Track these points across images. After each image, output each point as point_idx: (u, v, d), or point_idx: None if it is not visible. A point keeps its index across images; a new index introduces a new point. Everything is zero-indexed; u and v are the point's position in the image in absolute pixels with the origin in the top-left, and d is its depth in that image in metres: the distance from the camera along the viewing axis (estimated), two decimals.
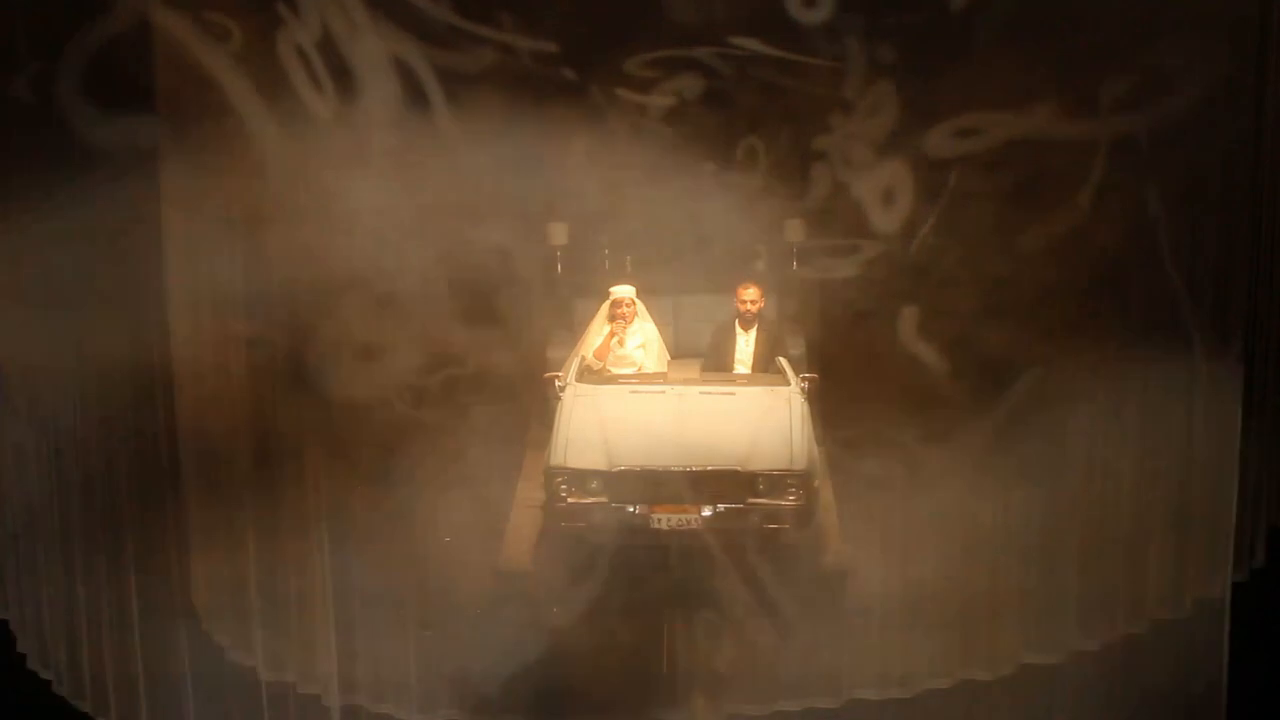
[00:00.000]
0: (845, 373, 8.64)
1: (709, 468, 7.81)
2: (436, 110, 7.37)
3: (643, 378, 8.82)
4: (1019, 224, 7.55)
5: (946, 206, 7.90)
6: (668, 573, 7.61)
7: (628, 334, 9.13)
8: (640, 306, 9.22)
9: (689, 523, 7.75)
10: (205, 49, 6.84)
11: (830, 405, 8.58)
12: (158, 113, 6.82)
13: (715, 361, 9.14)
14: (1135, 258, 7.28)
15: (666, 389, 8.48)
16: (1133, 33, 7.05)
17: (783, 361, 8.92)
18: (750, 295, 9.11)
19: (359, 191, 7.32)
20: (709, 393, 8.45)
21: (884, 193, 7.88)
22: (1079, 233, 7.43)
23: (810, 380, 8.61)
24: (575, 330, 9.64)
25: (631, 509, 7.77)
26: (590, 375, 8.80)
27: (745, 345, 9.16)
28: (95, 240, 6.66)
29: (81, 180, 6.57)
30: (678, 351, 9.58)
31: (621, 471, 7.82)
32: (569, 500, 7.85)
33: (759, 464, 7.85)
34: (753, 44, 7.69)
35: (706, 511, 7.75)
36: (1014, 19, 7.30)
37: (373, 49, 7.17)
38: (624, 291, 9.14)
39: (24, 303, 6.71)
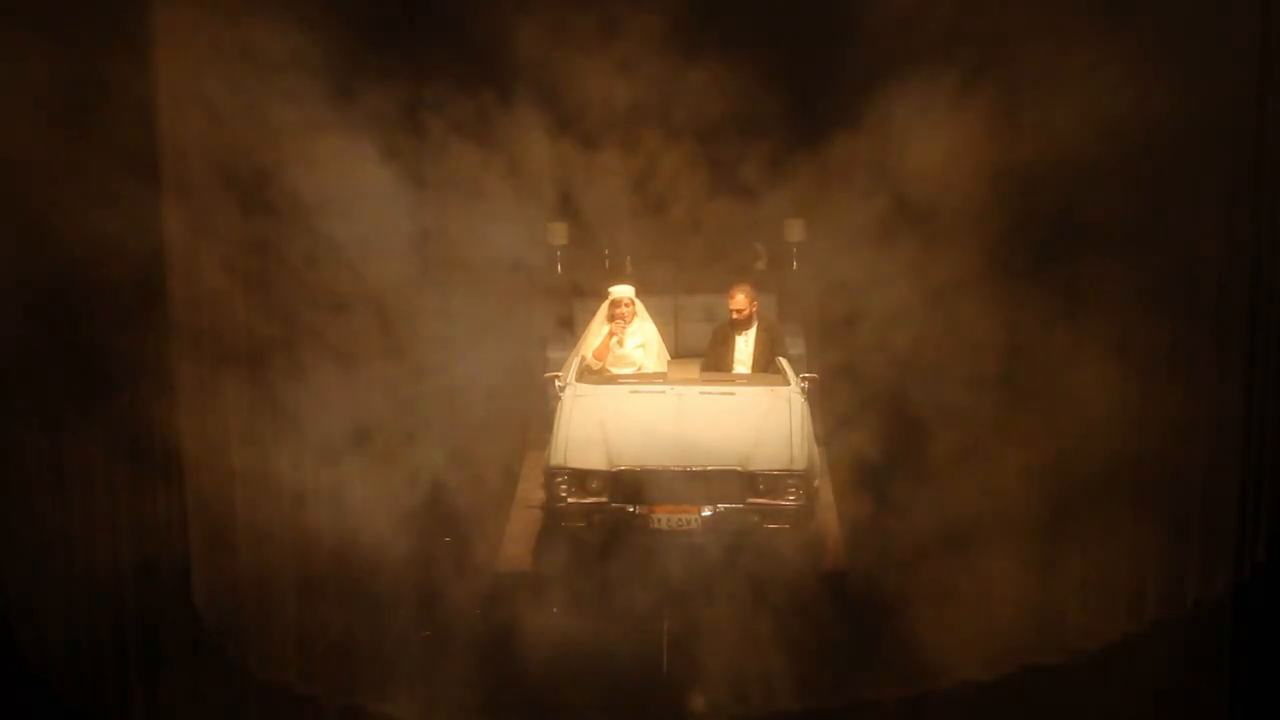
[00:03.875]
0: None
1: (709, 468, 7.81)
2: None
3: (643, 378, 8.83)
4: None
5: None
6: (667, 573, 7.60)
7: (627, 334, 9.14)
8: (640, 306, 9.22)
9: (689, 523, 7.75)
10: None
11: None
12: None
13: (714, 362, 9.14)
14: (1134, 255, 7.27)
15: (666, 389, 8.49)
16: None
17: (783, 361, 8.93)
18: (738, 303, 9.06)
19: None
20: (709, 393, 8.45)
21: None
22: (1076, 229, 7.43)
23: (810, 380, 8.62)
24: (575, 330, 9.66)
25: (631, 509, 7.78)
26: (590, 375, 8.80)
27: (744, 345, 9.16)
28: None
29: None
30: (678, 351, 9.59)
31: (621, 471, 7.82)
32: (569, 500, 7.85)
33: (759, 464, 7.85)
34: None
35: (706, 511, 7.75)
36: None
37: None
38: (623, 291, 9.14)
39: None
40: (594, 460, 7.89)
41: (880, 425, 8.13)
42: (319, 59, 7.09)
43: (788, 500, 7.81)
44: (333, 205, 7.39)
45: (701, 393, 8.45)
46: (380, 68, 7.52)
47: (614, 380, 8.76)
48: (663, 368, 9.07)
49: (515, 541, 8.40)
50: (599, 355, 9.07)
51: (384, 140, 7.57)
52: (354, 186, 7.48)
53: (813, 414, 8.41)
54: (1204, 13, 6.96)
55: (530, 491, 8.73)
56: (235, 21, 6.91)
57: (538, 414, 9.12)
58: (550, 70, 8.28)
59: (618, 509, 7.80)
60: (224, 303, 7.13)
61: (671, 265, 9.73)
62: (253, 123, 7.04)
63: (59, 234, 6.46)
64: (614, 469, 7.83)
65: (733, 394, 8.47)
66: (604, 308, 9.24)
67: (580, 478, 7.86)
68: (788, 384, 8.57)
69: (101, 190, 6.49)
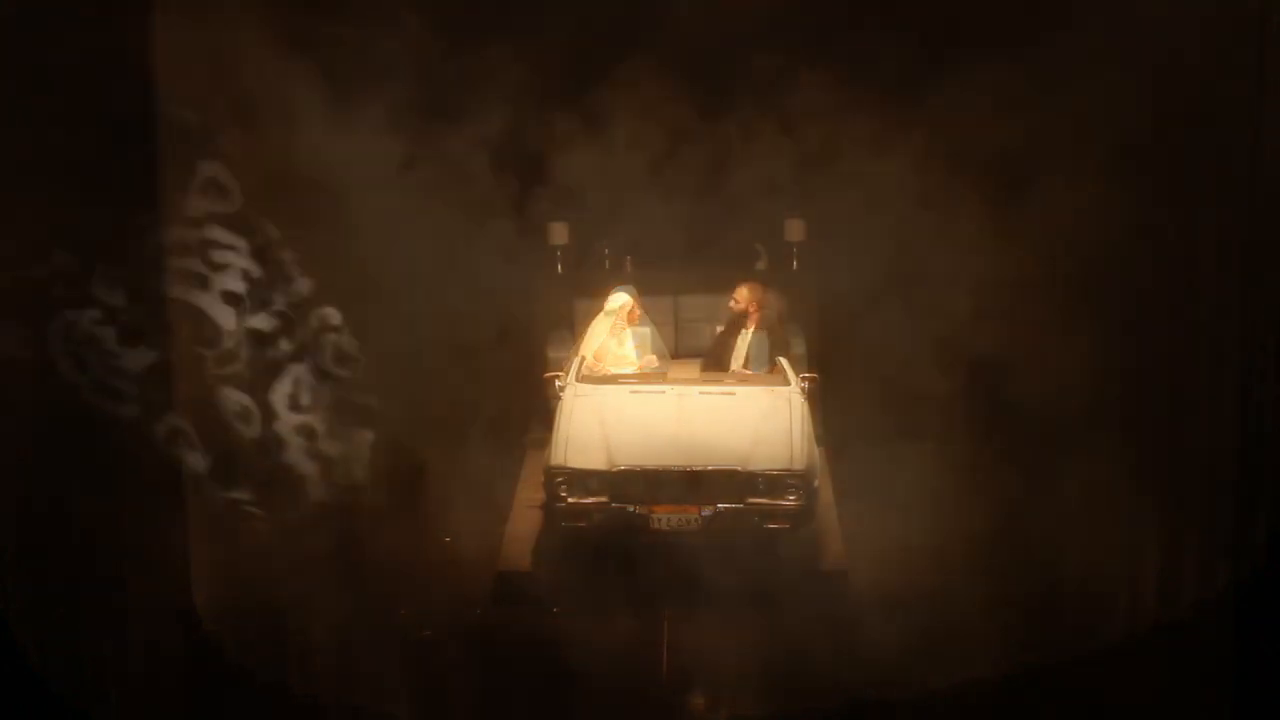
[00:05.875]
0: None
1: (709, 468, 7.81)
2: None
3: (643, 378, 8.84)
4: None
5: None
6: (667, 572, 7.60)
7: (623, 334, 9.14)
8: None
9: (689, 523, 7.75)
10: None
11: None
12: None
13: (715, 362, 9.15)
14: (1132, 258, 7.27)
15: (666, 389, 8.50)
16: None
17: (783, 361, 8.93)
18: (742, 296, 9.10)
19: None
20: (709, 393, 8.46)
21: None
22: (1074, 233, 7.44)
23: (810, 380, 8.62)
24: (575, 330, 9.66)
25: (631, 509, 7.78)
26: (590, 375, 8.80)
27: (744, 345, 9.16)
28: None
29: None
30: (678, 352, 9.60)
31: (621, 471, 7.82)
32: (569, 500, 7.85)
33: (759, 464, 7.85)
34: None
35: (706, 511, 7.75)
36: None
37: None
38: (629, 294, 9.14)
39: None
40: (594, 460, 7.89)
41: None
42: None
43: (788, 500, 7.81)
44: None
45: (701, 393, 8.46)
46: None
47: (614, 380, 8.77)
48: (653, 361, 9.09)
49: (515, 541, 8.40)
50: (599, 356, 9.08)
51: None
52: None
53: (813, 414, 8.42)
54: None
55: (530, 492, 8.73)
56: None
57: (538, 414, 9.13)
58: None
59: (618, 509, 7.80)
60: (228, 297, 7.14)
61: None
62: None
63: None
64: (614, 469, 7.83)
65: (733, 394, 8.48)
66: (606, 308, 9.23)
67: (580, 478, 7.86)
68: (788, 384, 8.57)
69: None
